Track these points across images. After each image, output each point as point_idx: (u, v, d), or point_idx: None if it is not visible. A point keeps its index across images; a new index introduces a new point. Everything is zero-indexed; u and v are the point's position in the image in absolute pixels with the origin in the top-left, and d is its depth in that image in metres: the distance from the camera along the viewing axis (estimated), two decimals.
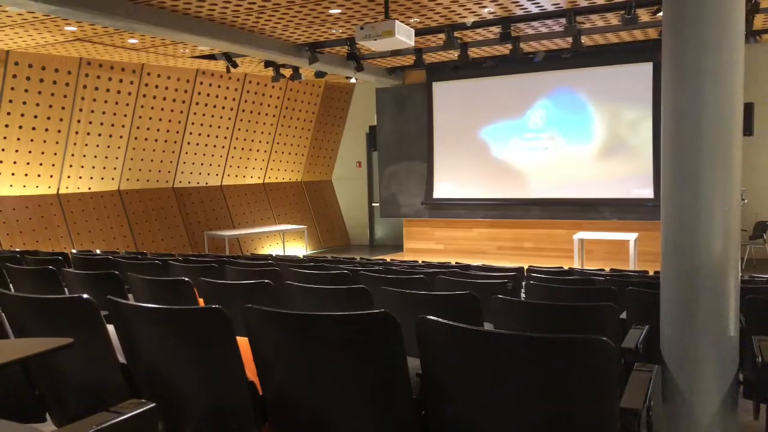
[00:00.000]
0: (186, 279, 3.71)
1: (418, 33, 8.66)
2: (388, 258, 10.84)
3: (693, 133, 2.55)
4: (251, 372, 2.30)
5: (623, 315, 3.51)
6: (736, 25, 2.51)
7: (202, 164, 12.33)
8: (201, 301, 3.83)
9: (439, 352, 1.90)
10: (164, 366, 2.30)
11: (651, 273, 6.72)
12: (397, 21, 6.63)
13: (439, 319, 1.84)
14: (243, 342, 2.34)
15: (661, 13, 7.84)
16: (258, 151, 13.29)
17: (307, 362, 2.04)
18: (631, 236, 9.90)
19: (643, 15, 8.01)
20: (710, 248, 2.54)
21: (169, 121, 11.33)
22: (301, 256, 9.23)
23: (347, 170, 15.28)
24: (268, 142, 13.36)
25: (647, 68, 10.66)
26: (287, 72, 10.90)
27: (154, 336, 2.31)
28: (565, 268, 7.20)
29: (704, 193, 2.54)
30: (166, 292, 3.75)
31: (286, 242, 13.63)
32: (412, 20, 8.31)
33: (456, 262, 7.78)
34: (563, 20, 8.26)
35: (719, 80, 2.52)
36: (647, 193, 10.94)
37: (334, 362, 1.99)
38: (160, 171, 11.70)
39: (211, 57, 10.23)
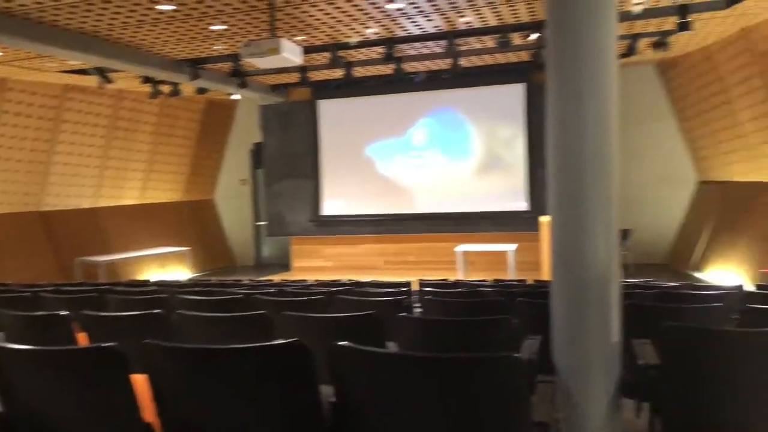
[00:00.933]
0: (64, 313, 3.42)
1: (304, 51, 8.65)
2: (276, 278, 10.65)
3: (576, 150, 2.73)
4: (149, 412, 2.16)
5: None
6: (610, 51, 2.72)
7: (72, 186, 11.49)
8: (81, 337, 3.55)
9: (353, 378, 1.88)
10: (49, 412, 2.10)
11: (529, 281, 7.11)
12: (283, 39, 6.58)
13: (354, 346, 1.83)
14: (138, 380, 2.19)
15: (532, 37, 8.37)
16: (135, 170, 12.60)
17: (214, 398, 1.95)
18: (509, 247, 10.42)
19: (517, 39, 8.51)
20: (596, 259, 2.71)
21: (35, 140, 10.46)
22: (185, 280, 8.84)
23: (231, 189, 14.87)
24: (145, 161, 12.71)
25: (520, 88, 11.34)
26: (166, 88, 10.46)
27: (35, 380, 2.11)
28: (451, 279, 7.43)
29: (588, 206, 2.71)
30: (41, 329, 3.44)
31: (166, 265, 12.98)
32: (297, 38, 8.28)
33: (347, 279, 7.80)
34: (444, 42, 8.60)
35: (597, 102, 2.71)
36: (523, 206, 11.59)
37: (245, 396, 1.92)
38: (26, 194, 10.76)
39: (83, 72, 9.60)
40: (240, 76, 9.82)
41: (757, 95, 9.27)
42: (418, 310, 4.72)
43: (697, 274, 10.89)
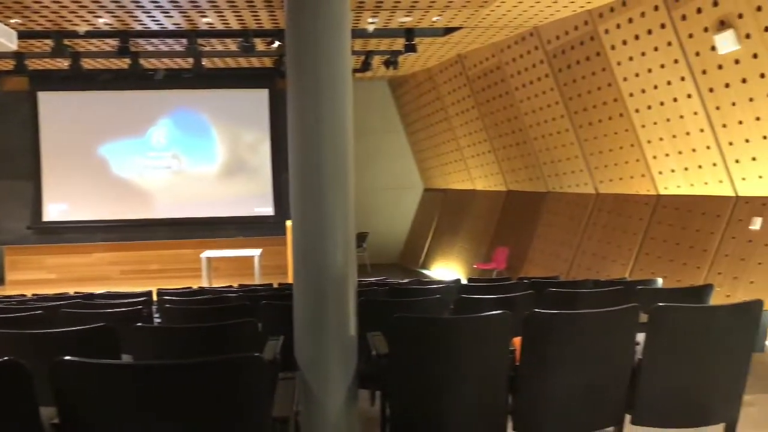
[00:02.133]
0: None
1: (21, 36, 7.62)
2: None
3: (316, 158, 2.88)
4: None
5: (259, 328, 3.71)
6: (345, 63, 2.92)
7: None
8: None
9: (80, 396, 1.74)
10: None
11: (275, 285, 7.21)
12: None
13: (78, 359, 1.69)
14: None
15: (275, 45, 8.53)
16: None
17: None
18: (255, 252, 10.45)
19: (260, 44, 8.59)
20: (335, 259, 2.89)
21: None
22: None
23: None
24: None
25: (264, 94, 11.45)
26: None
27: None
28: (195, 287, 7.20)
29: (327, 211, 2.88)
30: None
31: None
32: (12, 21, 7.27)
33: (75, 292, 7.06)
34: (184, 41, 8.30)
35: (335, 113, 2.89)
36: (268, 210, 11.72)
37: None
38: None
39: None
40: None
41: (469, 114, 10.70)
42: (158, 320, 4.50)
43: (425, 271, 12.15)
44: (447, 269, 11.67)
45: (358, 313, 3.41)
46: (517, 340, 2.83)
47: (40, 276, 11.49)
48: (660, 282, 5.30)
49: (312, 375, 2.88)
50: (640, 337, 2.85)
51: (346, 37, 2.88)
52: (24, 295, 6.86)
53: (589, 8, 7.34)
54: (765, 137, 6.09)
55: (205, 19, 7.54)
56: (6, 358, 1.59)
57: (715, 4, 5.95)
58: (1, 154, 11.25)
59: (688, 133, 6.88)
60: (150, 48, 8.92)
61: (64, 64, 9.49)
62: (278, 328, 3.46)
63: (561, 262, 9.07)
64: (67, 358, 1.71)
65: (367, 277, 8.11)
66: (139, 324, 2.75)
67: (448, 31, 8.47)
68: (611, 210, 8.43)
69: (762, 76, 5.83)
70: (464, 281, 6.34)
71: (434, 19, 7.77)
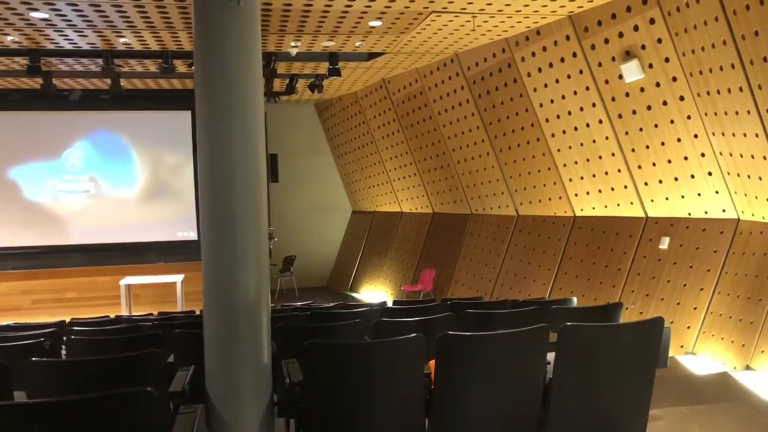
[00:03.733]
0: None
1: None
2: None
3: (227, 183, 2.81)
4: None
5: (171, 359, 3.57)
6: (256, 88, 2.90)
7: None
8: None
9: None
10: None
11: (198, 312, 7.00)
12: None
13: None
14: None
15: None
16: None
17: None
18: (177, 278, 10.12)
19: (180, 66, 8.42)
20: (247, 285, 2.82)
21: None
22: None
23: None
24: None
25: (187, 116, 11.19)
26: None
27: None
28: (112, 316, 6.90)
29: (240, 236, 2.81)
30: None
31: None
32: None
33: None
34: (100, 60, 8.02)
35: (246, 137, 2.84)
36: (192, 234, 11.40)
37: None
38: None
39: None
40: None
41: (395, 138, 10.84)
42: (65, 353, 4.26)
43: (354, 294, 12.10)
44: (376, 292, 11.67)
45: (276, 340, 3.35)
46: (433, 363, 2.84)
47: None
48: (575, 301, 5.48)
49: (224, 406, 2.78)
50: (551, 356, 2.92)
51: (256, 60, 2.86)
52: None
53: (506, 36, 7.62)
54: (669, 161, 6.45)
55: (122, 39, 7.33)
56: None
57: (621, 35, 6.30)
58: None
59: (600, 157, 7.20)
60: (64, 67, 8.58)
61: None
62: (191, 358, 3.34)
63: (485, 283, 9.24)
64: None
65: (294, 302, 8.00)
66: (34, 359, 2.59)
67: (372, 56, 8.58)
68: (531, 231, 8.69)
69: (665, 103, 6.20)
70: (390, 304, 6.35)
71: (357, 44, 7.85)
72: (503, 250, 9.09)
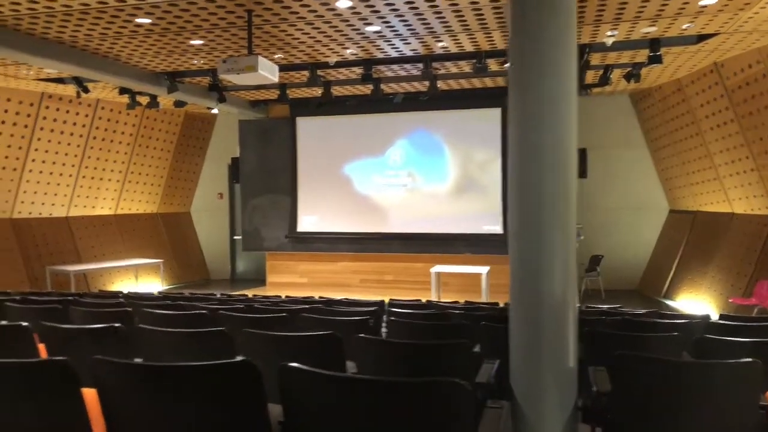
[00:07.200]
0: (24, 324, 3.38)
1: (282, 69, 8.71)
2: (249, 293, 10.58)
3: (537, 180, 2.78)
4: (99, 428, 2.14)
5: (477, 348, 3.69)
6: (570, 81, 2.80)
7: (45, 194, 11.36)
8: (42, 348, 3.51)
9: (301, 399, 1.90)
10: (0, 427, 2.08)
11: (501, 304, 7.15)
12: (260, 56, 6.62)
13: (301, 366, 1.85)
14: (89, 395, 2.18)
15: (507, 64, 8.52)
16: (110, 180, 12.50)
17: (163, 415, 1.95)
18: (483, 269, 10.48)
19: (493, 65, 8.65)
20: (552, 285, 2.75)
21: (8, 146, 10.35)
22: (156, 293, 8.75)
23: (208, 202, 14.80)
24: (121, 171, 12.62)
25: (497, 113, 11.49)
26: (144, 100, 10.43)
27: None
28: (423, 300, 7.45)
29: (546, 233, 2.76)
30: (1, 340, 3.39)
31: (140, 277, 12.84)
32: (276, 56, 8.34)
33: (320, 296, 7.78)
34: (420, 65, 8.72)
35: (556, 129, 2.77)
36: (497, 229, 11.68)
37: (192, 414, 1.92)
38: None
39: (60, 81, 9.55)
40: (218, 91, 9.84)
41: (727, 128, 9.51)
42: (385, 330, 4.74)
43: (668, 302, 11.05)
44: (695, 301, 10.46)
45: (582, 344, 3.21)
46: None
47: (293, 280, 12.91)
48: None
49: (527, 405, 2.77)
50: None
51: (571, 53, 2.75)
52: (279, 297, 7.75)
53: None
54: None
55: (440, 44, 7.83)
56: (240, 358, 1.80)
57: None
58: (267, 172, 12.91)
59: None
60: (390, 74, 9.54)
61: (317, 92, 10.61)
62: (495, 351, 3.41)
63: None
64: (293, 364, 1.88)
65: (599, 304, 7.63)
66: (361, 335, 2.92)
67: (702, 38, 7.65)
68: None
69: None
70: (714, 317, 5.62)
71: (684, 26, 7.08)
72: None
